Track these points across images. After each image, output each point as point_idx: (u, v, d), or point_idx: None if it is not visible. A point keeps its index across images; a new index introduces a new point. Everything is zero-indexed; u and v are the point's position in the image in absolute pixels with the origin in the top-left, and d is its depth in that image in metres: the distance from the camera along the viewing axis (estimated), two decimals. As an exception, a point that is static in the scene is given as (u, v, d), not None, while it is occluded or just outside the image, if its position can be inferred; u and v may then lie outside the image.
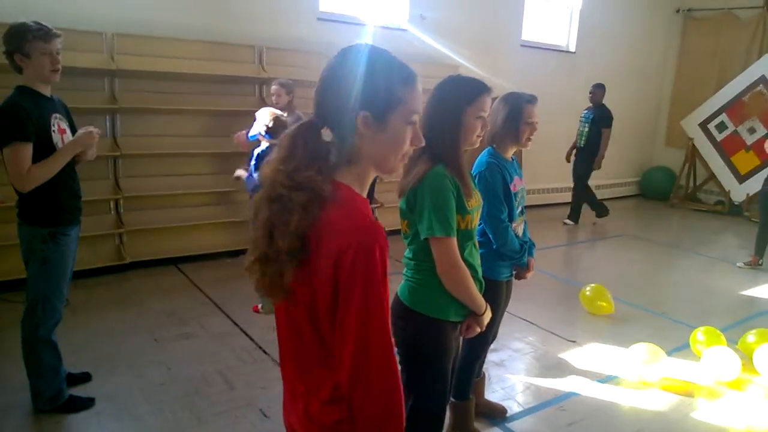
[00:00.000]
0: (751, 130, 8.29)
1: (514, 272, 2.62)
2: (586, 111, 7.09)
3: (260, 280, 1.10)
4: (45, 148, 2.47)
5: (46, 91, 2.55)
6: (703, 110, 8.77)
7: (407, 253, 1.97)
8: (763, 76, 8.15)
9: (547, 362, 3.58)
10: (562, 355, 3.66)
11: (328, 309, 1.03)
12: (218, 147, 5.13)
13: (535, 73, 7.40)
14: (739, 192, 8.38)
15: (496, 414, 2.93)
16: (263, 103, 4.78)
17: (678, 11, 9.48)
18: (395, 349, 1.06)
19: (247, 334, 3.70)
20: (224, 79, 5.12)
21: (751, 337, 3.65)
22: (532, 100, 2.52)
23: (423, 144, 1.15)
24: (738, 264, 5.89)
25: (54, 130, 2.52)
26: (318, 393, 1.11)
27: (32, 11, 3.03)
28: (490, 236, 2.43)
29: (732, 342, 3.68)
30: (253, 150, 3.91)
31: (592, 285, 4.45)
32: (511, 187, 2.48)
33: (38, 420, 2.69)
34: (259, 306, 4.02)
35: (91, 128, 2.63)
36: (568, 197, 7.57)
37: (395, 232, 1.99)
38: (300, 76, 5.02)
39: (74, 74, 4.16)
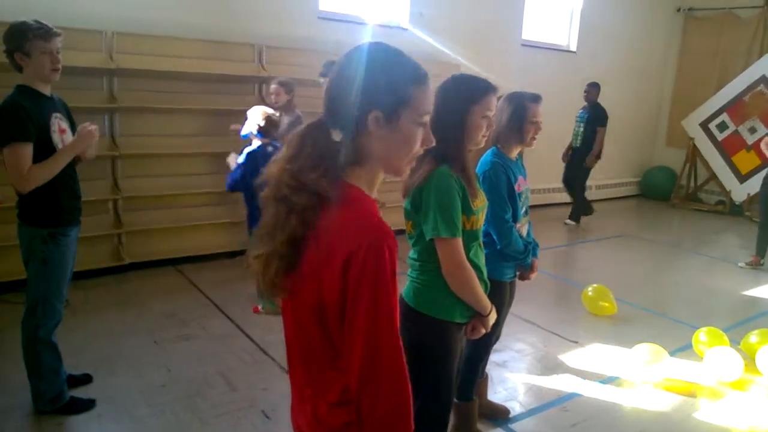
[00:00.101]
0: (752, 130, 8.28)
1: (517, 273, 2.61)
2: (581, 111, 7.06)
3: (260, 279, 1.10)
4: (45, 149, 2.45)
5: (47, 90, 2.54)
6: (704, 110, 8.76)
7: (412, 253, 1.96)
8: (764, 75, 8.14)
9: (549, 363, 3.57)
10: (564, 356, 3.65)
11: (337, 310, 1.02)
12: (218, 147, 5.08)
13: (535, 73, 7.38)
14: (740, 192, 8.37)
15: (498, 415, 2.92)
16: (263, 103, 4.75)
17: (679, 11, 9.47)
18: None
19: (248, 336, 3.68)
20: (224, 78, 5.10)
21: (753, 337, 3.65)
22: (536, 99, 2.51)
23: (433, 144, 1.14)
24: (739, 264, 5.88)
25: (54, 130, 2.50)
26: (326, 395, 1.10)
27: (32, 10, 3.02)
28: (494, 236, 2.41)
29: (734, 342, 3.67)
30: (244, 148, 3.90)
31: (594, 285, 4.43)
32: (516, 187, 2.47)
33: (39, 421, 2.68)
34: (260, 307, 4.00)
35: (90, 126, 2.61)
36: (568, 197, 7.56)
37: (399, 233, 1.97)
38: (300, 75, 5.00)
39: (73, 73, 4.12)
